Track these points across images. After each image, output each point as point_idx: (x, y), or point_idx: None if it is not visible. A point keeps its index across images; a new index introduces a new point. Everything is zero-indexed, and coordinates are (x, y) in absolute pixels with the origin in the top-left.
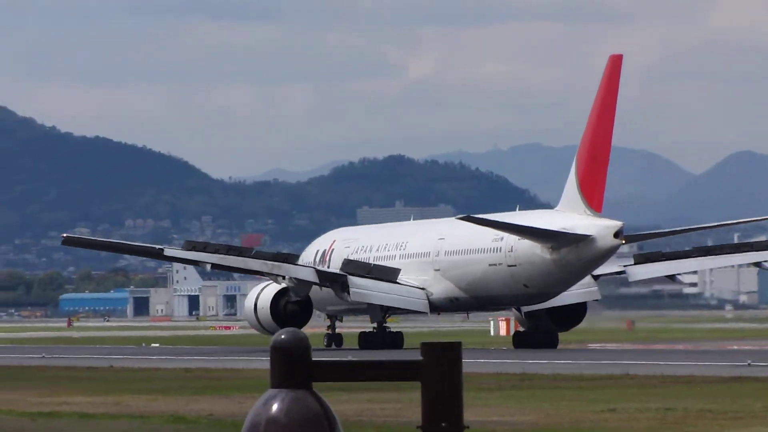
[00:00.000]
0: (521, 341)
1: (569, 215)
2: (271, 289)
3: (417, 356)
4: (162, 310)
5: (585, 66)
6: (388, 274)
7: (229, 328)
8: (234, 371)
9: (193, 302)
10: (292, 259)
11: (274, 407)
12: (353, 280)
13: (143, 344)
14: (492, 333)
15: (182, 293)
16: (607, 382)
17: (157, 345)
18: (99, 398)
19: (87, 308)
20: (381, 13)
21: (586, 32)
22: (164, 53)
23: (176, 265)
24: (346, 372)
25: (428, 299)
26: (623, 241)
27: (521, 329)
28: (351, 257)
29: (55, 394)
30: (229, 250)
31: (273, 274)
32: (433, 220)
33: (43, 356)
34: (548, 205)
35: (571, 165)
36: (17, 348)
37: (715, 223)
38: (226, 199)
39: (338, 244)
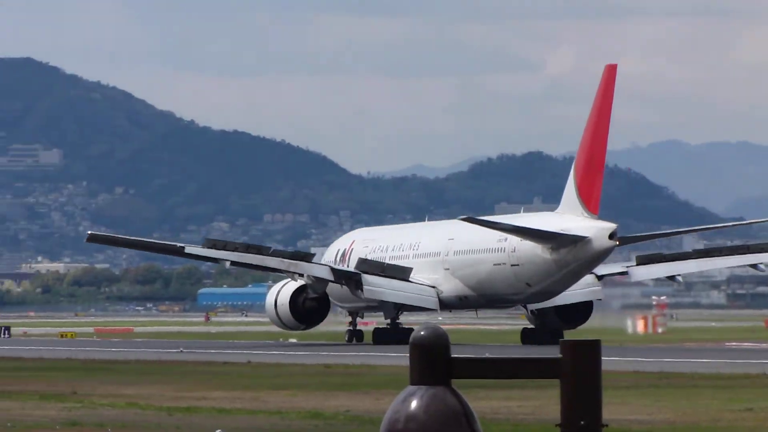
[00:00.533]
0: (528, 338)
1: (568, 217)
2: (291, 286)
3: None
4: None
5: (725, 62)
6: (401, 273)
7: (367, 323)
8: (372, 367)
9: None
10: (308, 257)
11: (413, 404)
12: (367, 278)
13: (281, 339)
14: (629, 331)
15: None
16: (744, 382)
17: (295, 340)
18: (237, 393)
19: (225, 303)
20: (520, 8)
21: (726, 28)
22: (303, 47)
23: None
24: (486, 369)
25: (438, 297)
26: (618, 243)
27: (530, 326)
28: (368, 257)
29: (192, 389)
30: (248, 248)
31: (290, 272)
32: (445, 221)
33: (181, 351)
34: (686, 203)
35: (709, 162)
36: (155, 342)
37: (711, 226)
38: (365, 194)
39: (357, 244)
